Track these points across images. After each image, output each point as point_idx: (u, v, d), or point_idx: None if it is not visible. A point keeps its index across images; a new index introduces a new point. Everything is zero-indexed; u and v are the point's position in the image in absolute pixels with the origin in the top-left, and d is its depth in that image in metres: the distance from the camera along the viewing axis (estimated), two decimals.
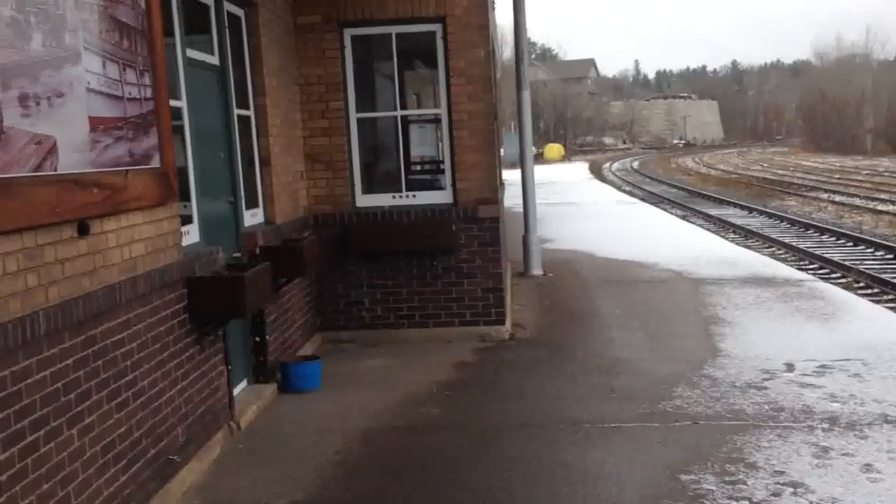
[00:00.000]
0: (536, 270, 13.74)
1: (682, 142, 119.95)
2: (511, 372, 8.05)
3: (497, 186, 9.65)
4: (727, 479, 5.29)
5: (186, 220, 6.23)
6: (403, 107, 9.87)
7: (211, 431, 6.04)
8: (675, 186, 42.31)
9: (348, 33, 9.52)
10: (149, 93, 5.25)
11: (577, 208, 25.99)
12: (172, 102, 5.98)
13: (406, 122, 9.89)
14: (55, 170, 4.10)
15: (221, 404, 6.29)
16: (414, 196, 9.65)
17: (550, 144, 79.79)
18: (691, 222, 23.92)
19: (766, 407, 6.60)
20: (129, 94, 5.00)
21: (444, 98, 9.54)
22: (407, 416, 6.81)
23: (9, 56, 3.75)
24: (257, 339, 7.44)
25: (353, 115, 9.56)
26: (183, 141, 6.31)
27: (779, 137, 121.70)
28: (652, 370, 7.84)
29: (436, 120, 9.88)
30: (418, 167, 10.45)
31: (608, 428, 6.34)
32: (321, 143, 9.46)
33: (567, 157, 75.92)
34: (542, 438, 6.16)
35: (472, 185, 9.46)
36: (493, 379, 7.88)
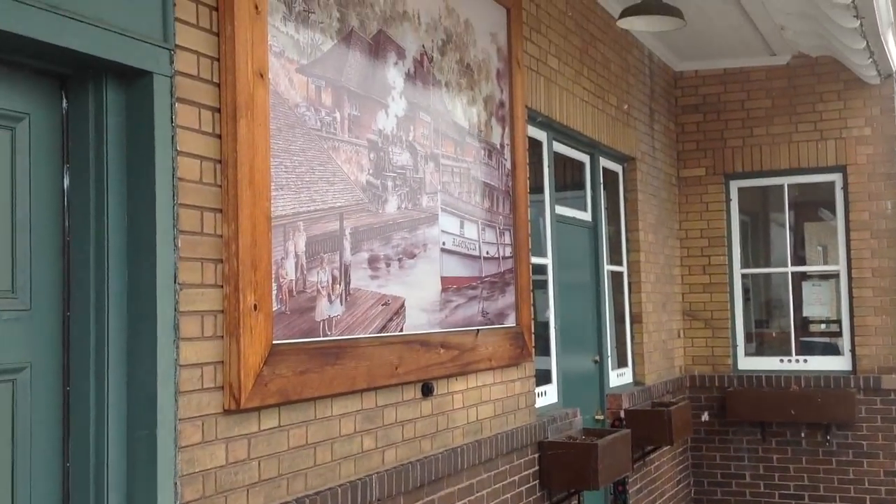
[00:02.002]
0: None
1: None
2: None
3: None
4: None
5: (544, 378, 6.05)
6: (794, 262, 9.09)
7: None
8: None
9: (734, 185, 9.05)
10: (508, 252, 5.20)
11: None
12: (537, 259, 5.92)
13: (797, 278, 9.08)
14: (401, 330, 4.10)
15: None
16: (805, 361, 8.75)
17: None
18: None
19: None
20: (487, 253, 4.97)
21: (842, 253, 8.67)
22: None
23: (361, 220, 3.84)
24: None
25: (738, 271, 8.97)
26: (545, 296, 6.19)
27: None
28: None
29: (833, 277, 8.97)
30: (811, 329, 9.50)
31: None
32: (701, 300, 8.95)
33: None
34: None
35: (875, 352, 8.39)
36: None
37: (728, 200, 9.01)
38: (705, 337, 8.92)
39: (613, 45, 7.40)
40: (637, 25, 6.61)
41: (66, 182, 2.84)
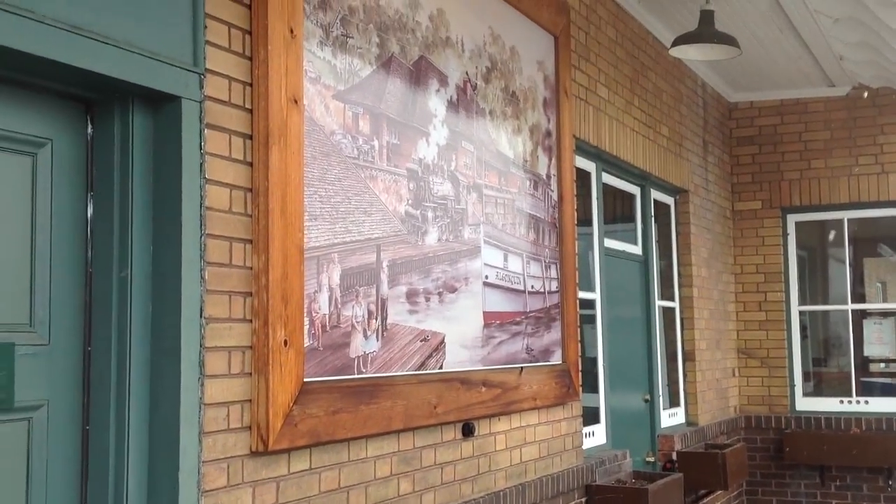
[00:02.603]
0: None
1: None
2: None
3: None
4: None
5: (592, 417, 5.82)
6: (854, 299, 8.73)
7: None
8: None
9: (792, 219, 8.75)
10: (554, 286, 5.01)
11: None
12: (585, 294, 5.72)
13: (857, 316, 8.73)
14: (440, 368, 3.92)
15: None
16: (867, 402, 8.39)
17: None
18: None
19: None
20: (532, 287, 4.79)
21: None
22: None
23: (399, 252, 3.69)
24: None
25: (795, 308, 8.65)
26: (594, 332, 5.97)
27: None
28: None
29: (894, 315, 8.61)
30: (872, 369, 9.12)
31: None
32: (756, 338, 8.63)
33: None
34: None
35: None
36: None
37: (785, 235, 8.72)
38: (761, 376, 8.60)
39: (665, 74, 7.21)
40: (690, 54, 6.41)
41: (90, 210, 2.72)
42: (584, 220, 5.93)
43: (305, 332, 3.14)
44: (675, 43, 6.25)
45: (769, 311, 8.61)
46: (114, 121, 2.73)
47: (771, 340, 8.59)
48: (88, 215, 2.72)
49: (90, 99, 2.72)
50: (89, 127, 2.74)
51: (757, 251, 8.72)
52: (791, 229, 8.74)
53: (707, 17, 6.18)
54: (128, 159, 2.72)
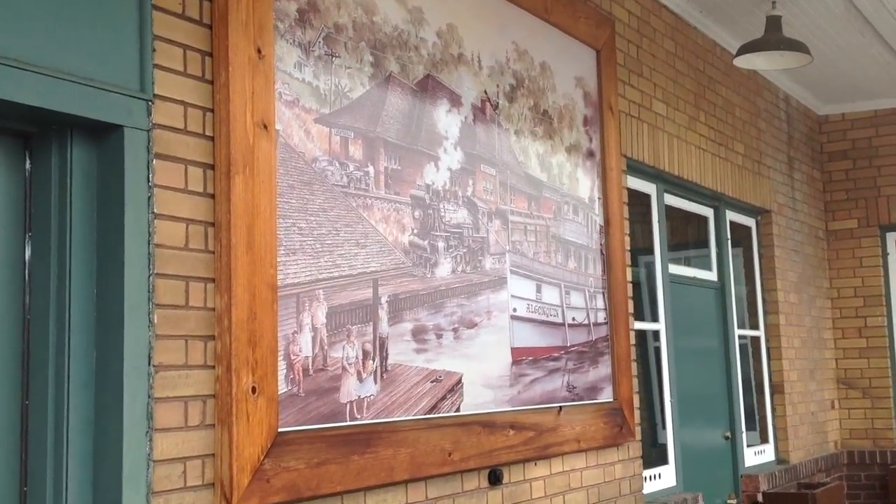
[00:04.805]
0: None
1: None
2: None
3: None
4: None
5: (660, 458, 5.37)
6: None
7: None
8: None
9: (892, 237, 8.09)
10: (601, 317, 4.62)
11: None
12: (647, 325, 5.32)
13: None
14: (457, 410, 3.60)
15: None
16: None
17: None
18: None
19: None
20: (573, 319, 4.42)
21: None
22: None
23: (402, 286, 3.40)
24: None
25: None
26: (659, 366, 5.53)
27: None
28: None
29: None
30: None
31: None
32: (857, 367, 7.96)
33: None
34: None
35: None
36: None
37: (885, 255, 8.05)
38: (864, 408, 7.92)
39: (738, 87, 6.74)
40: (757, 64, 5.96)
41: (28, 253, 2.53)
42: (646, 246, 5.53)
43: (282, 377, 2.88)
44: (740, 52, 5.82)
45: (870, 338, 7.94)
46: (51, 155, 2.53)
47: (873, 369, 7.91)
48: (26, 258, 2.53)
49: (28, 132, 2.54)
50: (27, 162, 2.56)
51: (854, 273, 8.07)
52: (892, 248, 8.07)
53: (774, 22, 5.73)
54: (66, 196, 2.51)
